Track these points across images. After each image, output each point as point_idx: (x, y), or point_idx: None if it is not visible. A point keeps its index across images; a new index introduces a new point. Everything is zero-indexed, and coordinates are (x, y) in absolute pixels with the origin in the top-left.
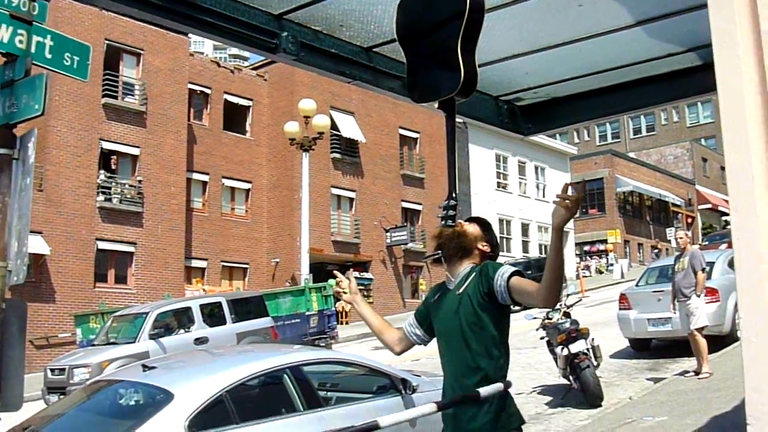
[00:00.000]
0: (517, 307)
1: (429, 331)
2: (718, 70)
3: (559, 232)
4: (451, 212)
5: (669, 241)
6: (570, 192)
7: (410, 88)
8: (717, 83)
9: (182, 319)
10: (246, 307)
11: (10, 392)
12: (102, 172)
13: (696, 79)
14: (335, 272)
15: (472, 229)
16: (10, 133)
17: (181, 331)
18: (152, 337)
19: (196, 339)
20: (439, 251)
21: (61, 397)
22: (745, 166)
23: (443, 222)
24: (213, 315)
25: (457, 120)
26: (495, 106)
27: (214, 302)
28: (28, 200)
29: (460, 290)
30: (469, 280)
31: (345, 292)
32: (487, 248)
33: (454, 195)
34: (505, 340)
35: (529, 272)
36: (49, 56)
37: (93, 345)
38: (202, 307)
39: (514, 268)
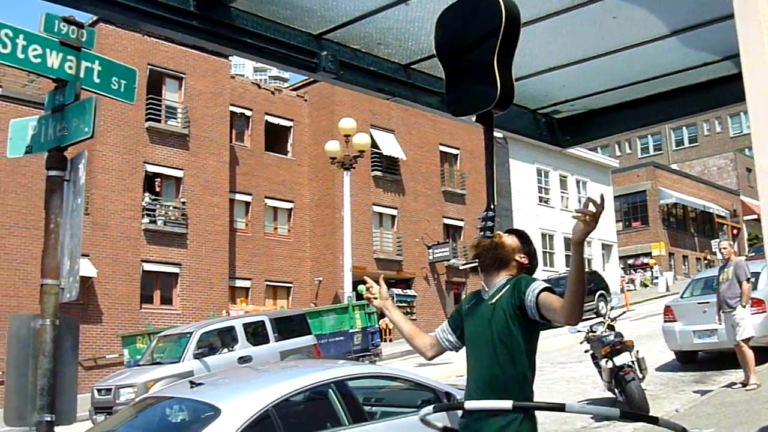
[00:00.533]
0: (545, 322)
1: (461, 337)
2: (746, 79)
3: (579, 247)
4: (489, 223)
5: (714, 253)
6: (590, 207)
7: (449, 103)
8: (746, 92)
9: (226, 338)
10: (289, 326)
11: (64, 406)
12: (146, 194)
13: (732, 88)
14: (365, 277)
15: (510, 240)
16: (62, 155)
17: (225, 350)
18: (197, 356)
19: (240, 358)
20: (476, 260)
21: (107, 416)
22: None
23: (482, 233)
24: (256, 334)
25: (497, 135)
26: (533, 119)
27: (257, 321)
28: (79, 220)
29: (494, 300)
30: (504, 291)
31: (375, 298)
32: (525, 260)
33: (492, 206)
34: (533, 356)
35: None
36: (97, 81)
37: (138, 365)
38: (246, 326)
39: (545, 285)
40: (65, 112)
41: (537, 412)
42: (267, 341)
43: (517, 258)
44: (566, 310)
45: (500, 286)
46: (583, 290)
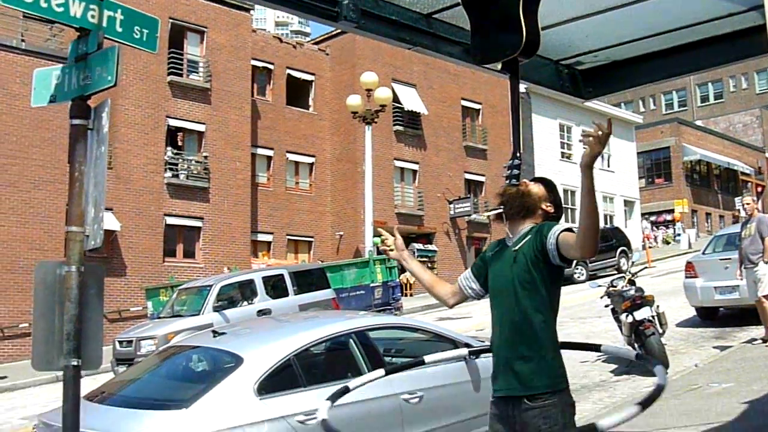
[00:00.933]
0: (566, 266)
1: (485, 285)
2: None
3: (588, 170)
4: (515, 171)
5: (738, 211)
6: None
7: (474, 51)
8: None
9: (245, 291)
10: (308, 279)
11: (90, 351)
12: (169, 148)
13: (758, 39)
14: (379, 229)
15: (537, 189)
16: (85, 104)
17: (245, 303)
18: (216, 309)
19: (259, 311)
20: (501, 207)
21: (129, 368)
22: None
23: (507, 181)
24: (275, 287)
25: (520, 90)
26: (555, 71)
27: (277, 275)
28: (103, 168)
29: (517, 247)
30: (527, 238)
31: (391, 249)
32: (551, 209)
33: (518, 154)
34: (555, 302)
35: None
36: (119, 30)
37: (159, 317)
38: (265, 279)
39: (566, 226)
40: (88, 61)
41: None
42: (286, 294)
43: (543, 207)
44: (580, 240)
45: (524, 233)
46: (596, 218)
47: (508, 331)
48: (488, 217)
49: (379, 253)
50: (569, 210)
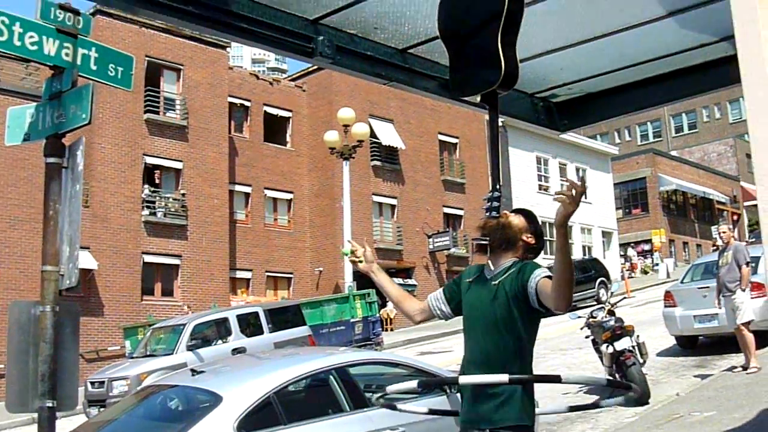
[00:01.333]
0: (543, 311)
1: (455, 309)
2: (741, 61)
3: (562, 229)
4: (495, 203)
5: (714, 240)
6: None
7: (453, 85)
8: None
9: (220, 330)
10: (283, 317)
11: (66, 392)
12: (146, 186)
13: (729, 69)
14: (349, 240)
15: (517, 220)
16: (59, 142)
17: (219, 341)
18: (190, 348)
19: (234, 349)
20: (487, 237)
21: (101, 409)
22: None
23: (487, 213)
24: (250, 325)
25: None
26: (531, 104)
27: (251, 312)
28: (77, 206)
29: (497, 281)
30: (509, 273)
31: (361, 261)
32: (531, 240)
33: (498, 186)
34: (532, 342)
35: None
36: (94, 67)
37: (132, 357)
38: (240, 317)
39: (548, 272)
40: (62, 99)
41: (537, 395)
42: (261, 332)
43: (524, 238)
44: (554, 295)
45: (506, 268)
46: (571, 274)
47: (481, 363)
48: (472, 245)
49: (359, 288)
50: (548, 242)
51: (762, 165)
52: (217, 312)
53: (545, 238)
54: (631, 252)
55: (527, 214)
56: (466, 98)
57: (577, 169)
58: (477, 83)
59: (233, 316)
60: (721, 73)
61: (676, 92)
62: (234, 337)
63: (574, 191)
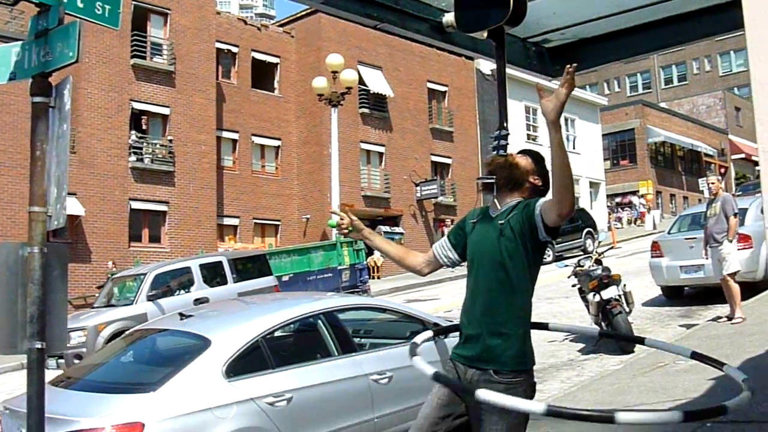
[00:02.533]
0: (548, 257)
1: (462, 254)
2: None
3: (556, 123)
4: (502, 142)
5: (701, 192)
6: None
7: (459, 20)
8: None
9: (182, 279)
10: (248, 267)
11: (55, 334)
12: (133, 132)
13: (725, 16)
14: (332, 211)
15: (524, 162)
16: (46, 81)
17: (181, 292)
18: (150, 298)
19: (196, 300)
20: (494, 176)
21: (59, 360)
22: None
23: (495, 151)
24: (214, 275)
25: (485, 71)
26: (523, 49)
27: (215, 262)
28: (65, 147)
29: (503, 220)
30: (515, 211)
31: (350, 230)
32: (538, 182)
33: (505, 124)
34: (533, 282)
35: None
36: (81, 5)
37: (93, 307)
38: (202, 267)
39: (549, 198)
40: (49, 36)
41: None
42: (225, 282)
43: (531, 179)
44: (556, 197)
45: (511, 206)
46: (570, 172)
47: (487, 301)
48: (478, 184)
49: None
50: None
51: (762, 105)
52: (178, 261)
53: None
54: (636, 200)
55: (534, 155)
56: (473, 33)
57: (566, 119)
58: (484, 19)
59: (196, 265)
60: (717, 19)
61: (670, 39)
62: (196, 287)
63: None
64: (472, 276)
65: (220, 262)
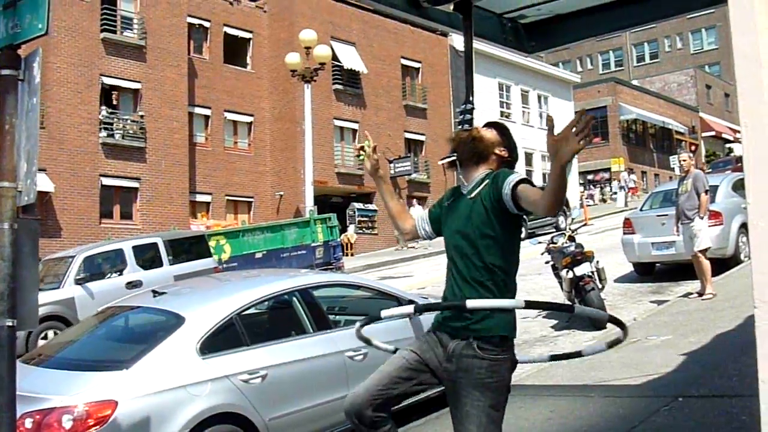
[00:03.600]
0: (524, 214)
1: (437, 230)
2: None
3: (563, 169)
4: (467, 116)
5: (672, 169)
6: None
7: None
8: None
9: (114, 262)
10: (186, 248)
11: (26, 311)
12: (103, 108)
13: None
14: (366, 134)
15: (490, 134)
16: (15, 53)
17: (113, 275)
18: (78, 282)
19: (128, 283)
20: (455, 154)
21: None
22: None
23: (460, 126)
24: (148, 257)
25: (458, 47)
26: (499, 24)
27: (149, 243)
28: (35, 120)
29: (473, 195)
30: (483, 185)
31: (366, 155)
32: (504, 153)
33: (471, 98)
34: (516, 252)
35: None
36: None
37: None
38: (136, 249)
39: (522, 176)
40: (18, 7)
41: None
42: (160, 265)
43: (497, 152)
44: (548, 199)
45: (479, 180)
46: (564, 183)
47: (466, 282)
48: (442, 164)
49: (320, 213)
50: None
51: (744, 79)
52: (110, 243)
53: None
54: (626, 176)
55: (499, 128)
56: (440, 6)
57: (539, 97)
58: None
59: (128, 247)
60: None
61: (645, 15)
62: (129, 269)
63: (582, 127)
64: (451, 255)
65: (155, 244)
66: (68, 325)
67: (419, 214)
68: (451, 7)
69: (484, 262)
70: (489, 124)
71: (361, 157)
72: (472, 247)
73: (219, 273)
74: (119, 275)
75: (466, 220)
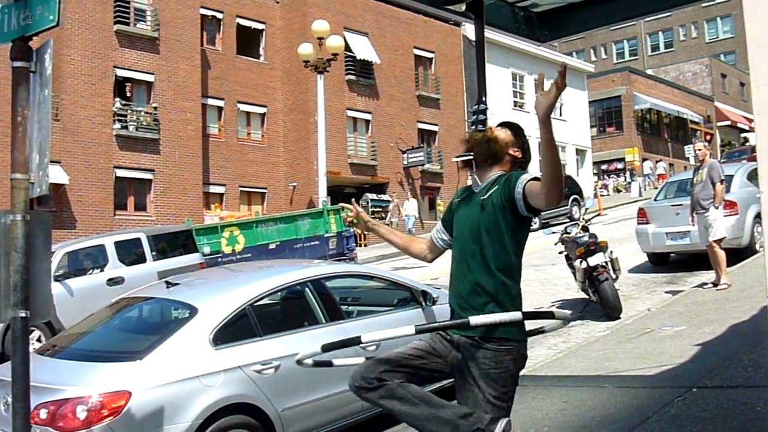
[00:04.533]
0: (534, 225)
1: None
2: None
3: (547, 121)
4: (481, 117)
5: (687, 159)
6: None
7: None
8: None
9: (96, 258)
10: (171, 243)
11: (39, 303)
12: (117, 99)
13: None
14: (341, 205)
15: (504, 134)
16: (26, 45)
17: (95, 271)
18: (57, 279)
19: (110, 279)
20: (471, 153)
21: None
22: None
23: (473, 126)
24: (131, 253)
25: (472, 39)
26: (512, 13)
27: (133, 239)
28: (47, 112)
29: (485, 195)
30: (496, 186)
31: (356, 222)
32: (518, 153)
33: (483, 99)
34: (519, 255)
35: None
36: None
37: None
38: (118, 244)
39: (533, 176)
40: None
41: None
42: (143, 261)
43: (511, 152)
44: (545, 190)
45: (492, 181)
46: (560, 167)
47: (469, 277)
48: (457, 163)
49: (334, 202)
50: None
51: (758, 66)
52: (91, 238)
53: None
54: (650, 164)
55: (513, 128)
56: (451, 6)
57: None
58: None
59: (110, 243)
60: None
61: (659, 3)
62: (111, 265)
63: (555, 80)
64: (456, 252)
65: (139, 239)
66: (48, 324)
67: (435, 229)
68: (463, 7)
69: (489, 263)
70: (503, 124)
71: (354, 221)
72: (479, 243)
73: (205, 268)
74: (100, 271)
75: (476, 217)
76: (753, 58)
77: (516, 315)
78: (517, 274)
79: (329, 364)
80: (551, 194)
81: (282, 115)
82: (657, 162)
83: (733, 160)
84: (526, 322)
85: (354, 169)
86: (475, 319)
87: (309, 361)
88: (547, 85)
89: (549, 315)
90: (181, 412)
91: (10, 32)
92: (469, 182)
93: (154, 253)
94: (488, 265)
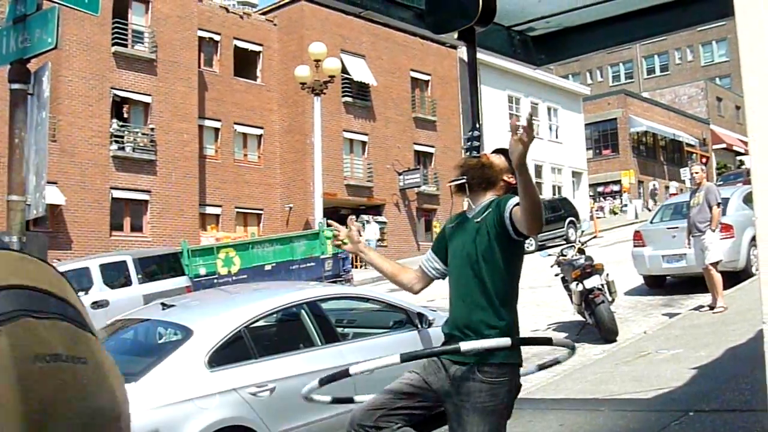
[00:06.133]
0: (531, 247)
1: (447, 261)
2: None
3: (523, 169)
4: (475, 143)
5: (683, 181)
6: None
7: (429, 20)
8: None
9: (80, 281)
10: (157, 266)
11: None
12: (114, 120)
13: (711, 4)
14: (329, 222)
15: (498, 161)
16: (24, 68)
17: (80, 294)
18: None
19: (94, 302)
20: (464, 177)
21: None
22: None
23: (468, 153)
24: (117, 276)
25: (466, 61)
26: (507, 37)
27: (118, 262)
28: (44, 134)
29: (479, 219)
30: (489, 210)
31: (345, 243)
32: (512, 180)
33: (477, 125)
34: (515, 279)
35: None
36: None
37: None
38: (103, 267)
39: (518, 200)
40: (27, 22)
41: None
42: (129, 284)
43: (505, 178)
44: (527, 222)
45: (485, 206)
46: (536, 200)
47: (465, 302)
48: (450, 187)
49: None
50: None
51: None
52: (76, 261)
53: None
54: (652, 186)
55: (508, 154)
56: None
57: (549, 109)
58: (454, 20)
59: (95, 266)
60: (702, 8)
61: (656, 27)
62: (96, 288)
63: (522, 130)
64: (453, 278)
65: (124, 262)
66: None
67: (424, 257)
68: (455, 35)
69: (485, 288)
70: (498, 151)
71: (344, 242)
72: (475, 269)
73: (191, 292)
74: (85, 294)
75: (471, 242)
76: (747, 84)
77: (507, 341)
78: (514, 300)
79: (350, 400)
80: (532, 225)
81: (278, 137)
82: (666, 187)
83: (729, 182)
84: (540, 351)
85: (350, 190)
86: (466, 345)
87: (327, 398)
88: (520, 133)
89: (547, 341)
90: None
91: (8, 54)
92: (465, 207)
93: (139, 276)
94: (485, 291)
